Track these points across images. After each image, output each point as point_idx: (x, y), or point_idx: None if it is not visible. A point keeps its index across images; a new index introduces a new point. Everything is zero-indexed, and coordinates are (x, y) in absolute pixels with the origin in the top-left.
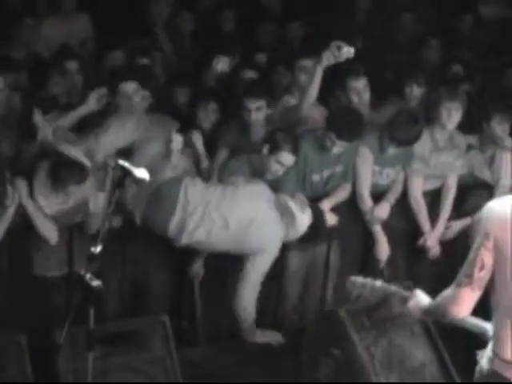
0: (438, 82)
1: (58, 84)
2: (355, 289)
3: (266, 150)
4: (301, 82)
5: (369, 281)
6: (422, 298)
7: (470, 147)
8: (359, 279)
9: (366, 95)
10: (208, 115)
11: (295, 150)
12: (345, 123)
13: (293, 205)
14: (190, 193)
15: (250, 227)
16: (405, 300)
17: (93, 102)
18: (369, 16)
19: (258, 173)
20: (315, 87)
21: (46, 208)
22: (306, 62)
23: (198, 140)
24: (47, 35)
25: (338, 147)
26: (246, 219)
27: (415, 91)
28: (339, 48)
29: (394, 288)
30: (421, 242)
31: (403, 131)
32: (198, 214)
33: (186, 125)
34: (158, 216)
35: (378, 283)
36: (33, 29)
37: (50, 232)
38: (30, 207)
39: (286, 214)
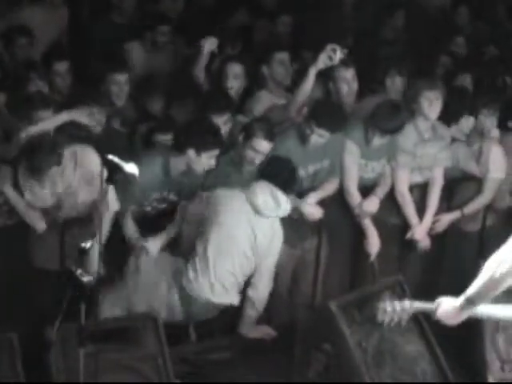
0: (418, 73)
1: (44, 84)
2: (386, 315)
3: (241, 137)
4: (277, 76)
5: (397, 303)
6: (448, 300)
7: (454, 140)
8: (388, 304)
9: (355, 85)
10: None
11: (271, 137)
12: (324, 111)
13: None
14: None
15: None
16: (433, 312)
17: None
18: (355, 10)
19: (237, 166)
20: (308, 87)
21: (35, 201)
22: (283, 55)
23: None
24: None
25: (319, 137)
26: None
27: (397, 82)
28: (334, 51)
29: (420, 304)
30: (409, 235)
31: (386, 120)
32: None
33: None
34: None
35: (406, 304)
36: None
37: (35, 220)
38: (11, 195)
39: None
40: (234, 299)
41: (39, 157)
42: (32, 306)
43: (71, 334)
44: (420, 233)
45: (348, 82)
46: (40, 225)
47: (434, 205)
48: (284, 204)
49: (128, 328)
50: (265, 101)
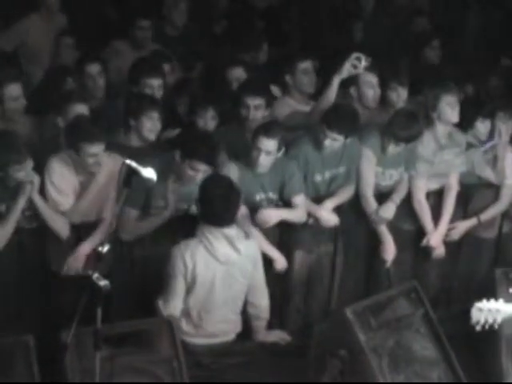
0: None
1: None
2: (482, 315)
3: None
4: (301, 85)
5: (492, 304)
6: None
7: (470, 146)
8: (484, 305)
9: (378, 90)
10: (207, 122)
11: (275, 136)
12: (335, 115)
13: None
14: None
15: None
16: None
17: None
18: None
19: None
20: (332, 95)
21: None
22: (307, 64)
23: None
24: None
25: (333, 141)
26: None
27: (401, 93)
28: (359, 59)
29: None
30: (424, 242)
31: (402, 129)
32: None
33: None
34: None
35: (501, 305)
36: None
37: (60, 227)
38: (39, 202)
39: None
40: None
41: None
42: (48, 309)
43: (87, 338)
44: (435, 240)
45: (373, 86)
46: (65, 231)
47: (450, 211)
48: (244, 249)
49: (143, 332)
50: (285, 107)
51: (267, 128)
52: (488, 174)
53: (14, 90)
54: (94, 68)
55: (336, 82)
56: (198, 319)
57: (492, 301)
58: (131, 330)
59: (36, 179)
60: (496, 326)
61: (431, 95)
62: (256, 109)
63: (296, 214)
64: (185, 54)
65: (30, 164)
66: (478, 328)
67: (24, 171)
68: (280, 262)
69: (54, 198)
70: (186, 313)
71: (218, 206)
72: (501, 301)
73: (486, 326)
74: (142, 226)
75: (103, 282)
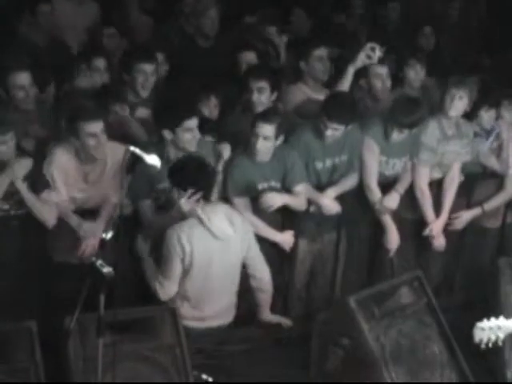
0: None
1: (86, 78)
2: (484, 334)
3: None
4: (316, 72)
5: (493, 322)
6: None
7: (475, 134)
8: (485, 324)
9: (388, 82)
10: (211, 111)
11: (272, 121)
12: (334, 105)
13: None
14: None
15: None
16: None
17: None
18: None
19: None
20: (346, 85)
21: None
22: (322, 52)
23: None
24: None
25: (334, 131)
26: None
27: (419, 71)
28: (373, 49)
29: None
30: (426, 231)
31: (405, 115)
32: None
33: None
34: None
35: (502, 322)
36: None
37: (45, 215)
38: (23, 189)
39: None
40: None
41: None
42: (52, 295)
43: (90, 324)
44: (436, 229)
45: (382, 78)
46: (51, 220)
47: (451, 201)
48: (239, 224)
49: (146, 318)
50: (299, 94)
51: (265, 113)
52: (493, 162)
53: (22, 78)
54: (100, 62)
55: (350, 71)
56: (196, 301)
57: (493, 319)
58: (134, 316)
59: (23, 165)
60: (500, 343)
61: (444, 86)
62: (259, 92)
63: (297, 201)
64: None
65: (11, 139)
66: (483, 347)
67: (5, 145)
68: (286, 242)
69: (52, 190)
70: (183, 295)
71: (191, 168)
72: (501, 318)
73: (490, 345)
74: (160, 220)
75: (106, 269)
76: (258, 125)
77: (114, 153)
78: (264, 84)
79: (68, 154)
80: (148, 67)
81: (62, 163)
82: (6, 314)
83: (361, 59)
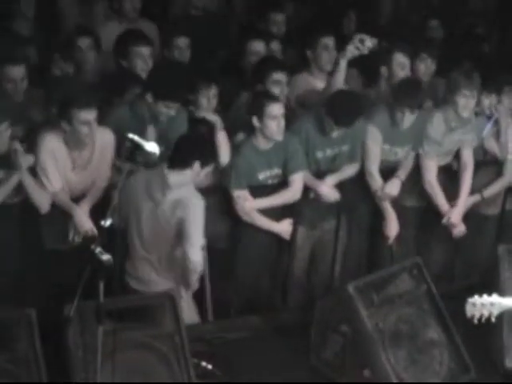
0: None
1: (68, 60)
2: (476, 310)
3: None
4: (321, 60)
5: (486, 299)
6: None
7: (476, 114)
8: (478, 300)
9: (408, 72)
10: (210, 101)
11: (278, 100)
12: (342, 110)
13: None
14: None
15: None
16: None
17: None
18: None
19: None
20: (341, 77)
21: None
22: (328, 40)
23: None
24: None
25: (338, 131)
26: None
27: (430, 65)
28: (362, 41)
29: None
30: (444, 220)
31: (409, 97)
32: None
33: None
34: None
35: (495, 298)
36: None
37: (41, 200)
38: (24, 174)
39: None
40: None
41: None
42: (51, 283)
43: (90, 312)
44: (455, 217)
45: (405, 68)
46: (45, 206)
47: (467, 188)
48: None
49: (145, 306)
50: (303, 83)
51: (268, 93)
52: (493, 145)
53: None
54: (83, 42)
55: (343, 64)
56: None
57: (485, 296)
58: (134, 304)
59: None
60: (493, 319)
61: (453, 84)
62: (275, 84)
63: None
64: None
65: (5, 130)
66: (475, 321)
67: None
68: (285, 231)
69: (41, 178)
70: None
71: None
72: (494, 295)
73: (483, 320)
74: None
75: (105, 257)
76: (266, 105)
77: (102, 137)
78: (281, 76)
79: (57, 140)
80: (145, 50)
81: (50, 149)
82: (6, 301)
83: (350, 51)
